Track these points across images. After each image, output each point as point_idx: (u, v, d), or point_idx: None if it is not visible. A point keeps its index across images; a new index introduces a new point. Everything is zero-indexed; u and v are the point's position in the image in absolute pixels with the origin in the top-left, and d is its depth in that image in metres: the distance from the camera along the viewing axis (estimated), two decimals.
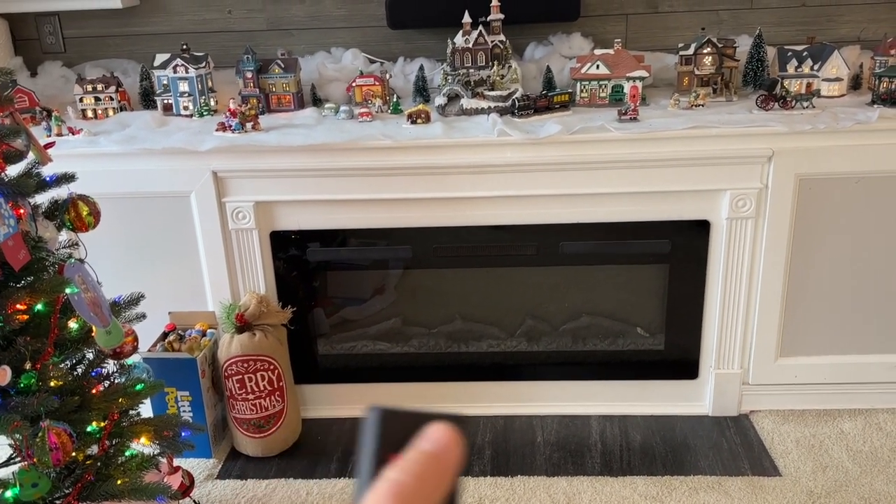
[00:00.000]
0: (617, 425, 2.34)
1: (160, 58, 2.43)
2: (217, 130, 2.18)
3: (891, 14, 2.52)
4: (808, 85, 2.27)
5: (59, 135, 2.21)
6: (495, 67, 2.32)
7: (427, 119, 2.22)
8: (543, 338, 2.47)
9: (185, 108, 2.40)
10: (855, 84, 2.38)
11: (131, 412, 1.77)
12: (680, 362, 2.35)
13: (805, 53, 2.29)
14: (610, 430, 2.32)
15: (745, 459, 2.16)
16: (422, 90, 2.46)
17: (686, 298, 2.28)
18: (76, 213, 1.66)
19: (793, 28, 2.54)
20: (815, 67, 2.27)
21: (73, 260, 1.65)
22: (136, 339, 1.83)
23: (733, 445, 2.22)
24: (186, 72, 2.36)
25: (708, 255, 2.21)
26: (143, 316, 1.88)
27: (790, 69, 2.28)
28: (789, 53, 2.30)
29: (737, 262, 2.19)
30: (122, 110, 2.46)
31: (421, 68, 2.47)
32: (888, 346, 2.29)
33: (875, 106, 2.15)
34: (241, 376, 2.16)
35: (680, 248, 2.23)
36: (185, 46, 2.39)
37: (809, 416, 2.32)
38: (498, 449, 2.26)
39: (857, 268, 2.21)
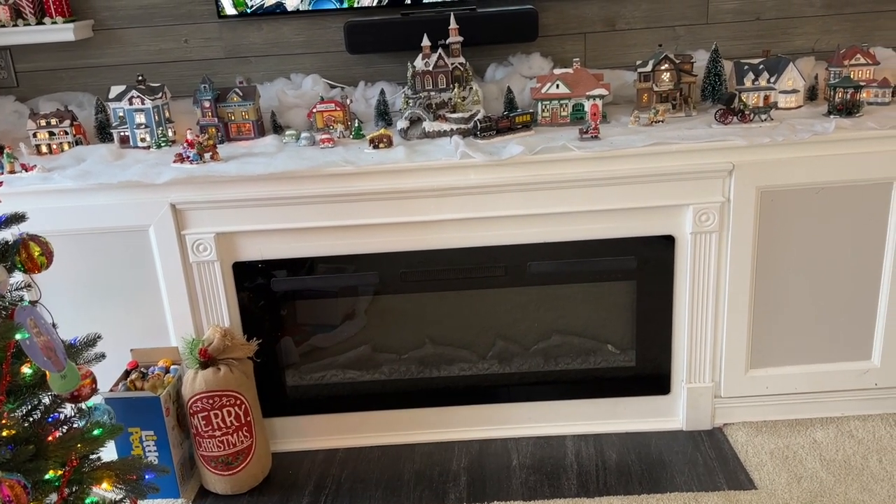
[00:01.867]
0: (592, 444, 2.33)
1: (115, 89, 2.39)
2: (174, 162, 2.14)
3: (843, 25, 2.57)
4: (766, 98, 2.29)
5: (12, 172, 2.15)
6: (456, 90, 2.32)
7: (389, 143, 2.20)
8: (515, 359, 2.45)
9: (143, 139, 2.35)
10: (811, 95, 2.42)
11: (92, 456, 1.71)
12: (652, 378, 2.35)
13: (761, 66, 2.32)
14: (585, 450, 2.30)
15: (720, 474, 2.15)
16: (383, 114, 2.45)
17: (655, 314, 2.28)
18: (27, 254, 1.61)
19: (748, 42, 2.57)
20: (772, 80, 2.30)
21: (25, 302, 1.59)
22: (94, 381, 1.77)
23: (708, 460, 2.22)
24: (143, 103, 2.32)
25: (674, 270, 2.21)
26: (102, 356, 1.83)
27: (747, 82, 2.30)
28: (746, 67, 2.32)
29: (703, 275, 2.20)
30: (77, 144, 2.41)
31: (382, 92, 2.46)
32: (856, 353, 2.30)
33: (831, 116, 2.18)
34: (206, 413, 2.11)
35: (646, 264, 2.23)
36: (140, 77, 2.36)
37: (782, 427, 2.33)
38: (474, 474, 2.23)
39: (822, 277, 2.22)
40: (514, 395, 2.40)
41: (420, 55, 2.30)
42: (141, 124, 2.34)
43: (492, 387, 2.41)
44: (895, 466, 2.12)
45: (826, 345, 2.29)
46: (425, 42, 2.28)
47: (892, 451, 2.19)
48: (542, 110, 2.33)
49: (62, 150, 2.37)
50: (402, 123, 2.29)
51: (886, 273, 2.21)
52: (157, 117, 2.35)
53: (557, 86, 2.30)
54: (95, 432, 1.63)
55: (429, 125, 2.28)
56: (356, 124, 2.36)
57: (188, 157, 2.13)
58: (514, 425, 2.40)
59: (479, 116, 2.25)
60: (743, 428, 2.33)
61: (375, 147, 2.19)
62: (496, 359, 2.45)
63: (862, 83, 2.25)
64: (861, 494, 2.03)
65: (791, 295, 2.24)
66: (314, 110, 2.41)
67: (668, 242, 2.19)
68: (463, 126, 2.26)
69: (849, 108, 2.17)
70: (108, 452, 1.84)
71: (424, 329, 2.46)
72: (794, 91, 2.31)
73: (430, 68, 2.29)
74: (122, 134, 2.38)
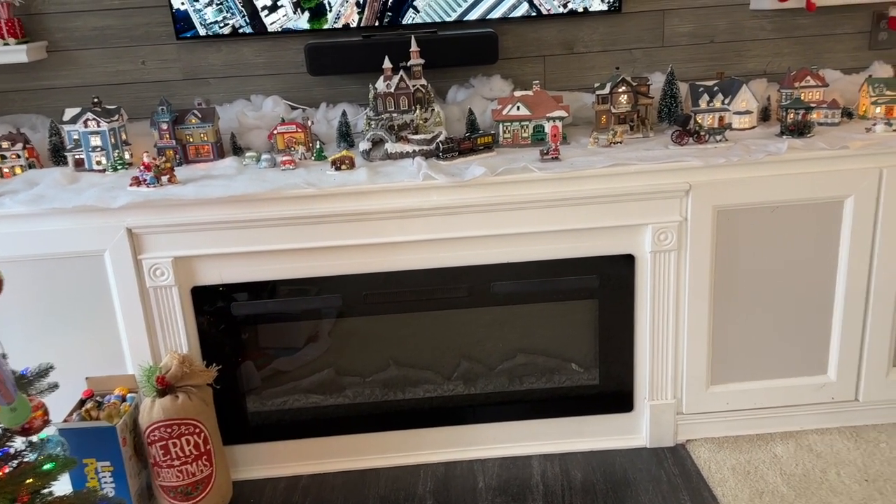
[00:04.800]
0: (558, 464, 2.33)
1: (70, 112, 2.34)
2: (131, 185, 2.10)
3: (793, 48, 2.65)
4: (720, 119, 2.34)
5: None
6: (418, 111, 2.33)
7: (351, 165, 2.20)
8: (480, 379, 2.44)
9: (98, 162, 2.31)
10: (764, 116, 2.48)
11: (44, 491, 1.65)
12: (615, 396, 2.36)
13: (716, 88, 2.37)
14: (551, 470, 2.30)
15: (684, 491, 2.17)
16: (345, 135, 2.44)
17: (617, 332, 2.30)
18: None
19: (703, 64, 2.64)
20: (726, 101, 2.36)
21: None
22: (46, 412, 1.71)
23: (672, 477, 2.23)
24: (98, 125, 2.28)
25: (635, 289, 2.24)
26: (55, 386, 1.77)
27: (702, 104, 2.35)
28: (701, 89, 2.38)
29: (663, 293, 2.22)
30: (30, 167, 2.35)
31: (344, 114, 2.46)
32: (813, 367, 2.35)
33: (784, 137, 2.24)
34: (164, 442, 2.06)
35: (608, 283, 2.25)
36: (96, 99, 2.32)
37: (743, 442, 2.36)
38: (439, 498, 2.21)
39: (778, 293, 2.27)
40: (479, 415, 2.39)
41: (382, 77, 2.30)
42: (97, 147, 2.30)
43: (457, 408, 2.40)
44: (853, 479, 2.16)
45: (784, 360, 2.34)
46: (387, 64, 2.29)
47: (850, 465, 2.23)
48: (504, 132, 2.35)
49: (14, 174, 2.32)
50: (364, 145, 2.29)
51: (840, 289, 2.26)
52: (113, 140, 2.30)
53: (518, 108, 2.32)
54: (47, 466, 1.57)
55: (391, 147, 2.28)
56: (318, 146, 2.35)
57: (145, 180, 2.09)
58: (479, 447, 2.39)
59: (442, 138, 2.26)
60: (705, 444, 2.36)
61: (337, 169, 2.18)
62: (461, 380, 2.45)
63: (812, 104, 2.32)
64: None
65: (749, 311, 2.28)
66: (275, 132, 2.39)
67: (628, 261, 2.21)
68: (425, 147, 2.26)
69: (800, 129, 2.23)
70: (62, 485, 1.79)
71: (389, 351, 2.45)
72: (748, 112, 2.37)
73: (392, 90, 2.30)
74: (76, 157, 2.33)
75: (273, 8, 2.40)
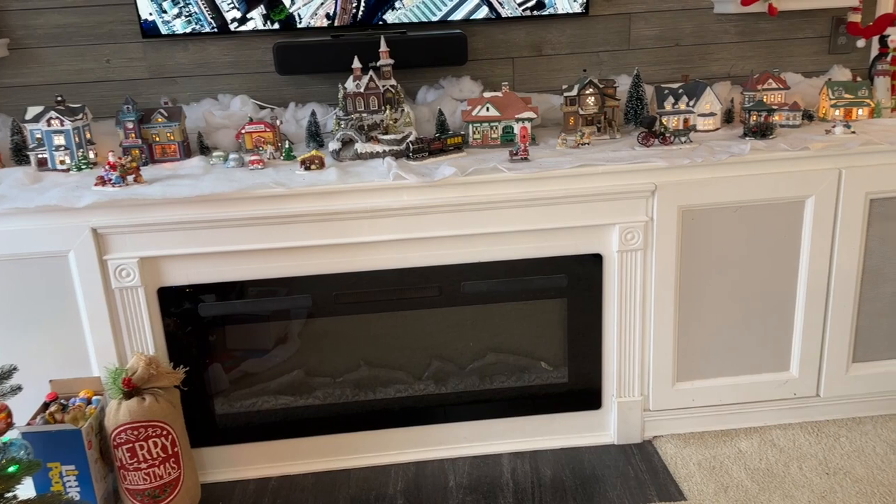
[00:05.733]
0: (528, 462, 2.35)
1: (33, 110, 2.30)
2: (96, 185, 2.07)
3: (756, 52, 2.71)
4: (685, 121, 2.39)
5: None
6: (388, 111, 2.33)
7: (321, 165, 2.19)
8: (451, 379, 2.45)
9: (62, 162, 2.27)
10: (727, 118, 2.53)
11: (7, 495, 1.63)
12: (584, 393, 2.39)
13: (681, 91, 2.42)
14: (521, 468, 2.32)
15: (651, 486, 2.20)
16: (315, 135, 2.43)
17: (585, 330, 2.33)
18: None
19: (668, 67, 2.68)
20: (691, 104, 2.40)
21: None
22: (9, 415, 1.69)
23: (639, 473, 2.27)
24: (62, 124, 2.24)
25: (602, 288, 2.27)
26: (19, 388, 1.75)
27: (668, 106, 2.39)
28: (666, 91, 2.42)
29: (629, 292, 2.26)
30: None
31: (313, 113, 2.45)
32: (776, 364, 2.40)
33: (747, 138, 2.29)
34: (131, 444, 2.03)
35: (576, 282, 2.28)
36: (59, 98, 2.28)
37: (709, 438, 2.40)
38: (410, 497, 2.21)
39: (742, 291, 2.32)
40: (450, 415, 2.40)
41: (351, 77, 2.30)
42: (60, 146, 2.26)
43: (428, 408, 2.40)
44: (814, 473, 2.22)
45: (748, 357, 2.38)
46: (356, 64, 2.29)
47: (812, 458, 2.28)
48: (474, 132, 2.37)
49: None
50: (334, 145, 2.29)
51: (801, 287, 2.32)
52: (77, 139, 2.27)
53: (487, 108, 2.34)
54: (11, 469, 1.55)
55: (361, 147, 2.28)
56: (287, 145, 2.34)
57: (110, 179, 2.06)
58: (450, 446, 2.40)
59: (412, 138, 2.26)
60: (672, 440, 2.39)
61: (307, 168, 2.17)
62: (432, 379, 2.45)
63: (774, 107, 2.38)
64: (784, 501, 2.11)
65: (713, 309, 2.32)
66: (243, 131, 2.38)
67: (596, 260, 2.24)
68: (395, 147, 2.27)
69: (763, 131, 2.28)
70: (26, 489, 1.76)
71: (359, 351, 2.44)
72: (712, 114, 2.41)
73: (362, 90, 2.30)
74: (39, 156, 2.29)
75: (242, 21, 2.40)
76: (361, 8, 2.43)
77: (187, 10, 2.33)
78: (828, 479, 2.19)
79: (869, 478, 2.18)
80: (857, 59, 2.73)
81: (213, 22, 2.38)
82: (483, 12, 2.45)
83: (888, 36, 2.56)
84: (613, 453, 2.37)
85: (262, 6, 2.39)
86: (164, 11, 2.36)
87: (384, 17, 2.44)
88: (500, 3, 2.40)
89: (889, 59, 2.57)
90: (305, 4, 2.34)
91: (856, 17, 2.64)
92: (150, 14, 2.36)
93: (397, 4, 2.43)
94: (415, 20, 2.45)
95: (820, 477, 2.20)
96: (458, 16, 2.46)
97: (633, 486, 2.21)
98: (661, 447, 2.37)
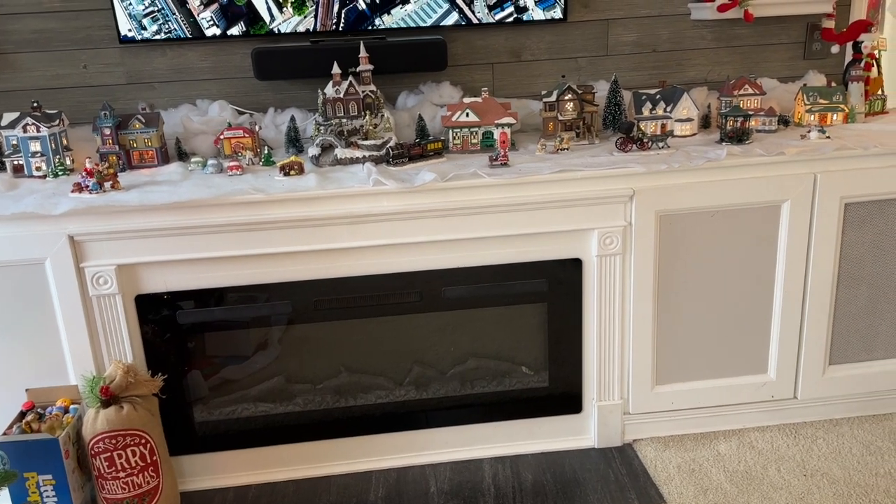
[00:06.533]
0: (509, 466, 2.35)
1: (8, 116, 2.28)
2: (73, 191, 2.05)
3: (732, 58, 2.74)
4: (663, 126, 2.41)
5: None
6: (368, 117, 2.33)
7: (301, 170, 2.19)
8: (432, 384, 2.45)
9: (38, 168, 2.25)
10: (704, 123, 2.56)
11: None
12: (564, 397, 2.40)
13: (658, 96, 2.44)
14: (502, 472, 2.32)
15: (631, 490, 2.21)
16: (294, 141, 2.43)
17: (565, 334, 2.34)
18: None
19: (646, 73, 2.71)
20: (668, 109, 2.42)
21: None
22: None
23: (620, 476, 2.28)
24: (38, 130, 2.22)
25: (582, 292, 2.28)
26: None
27: (645, 112, 2.41)
28: (644, 97, 2.44)
29: (609, 296, 2.27)
30: None
31: (292, 119, 2.44)
32: (753, 367, 2.43)
33: (723, 144, 2.31)
34: (109, 453, 2.01)
35: (556, 287, 2.29)
36: (35, 104, 2.26)
37: (688, 441, 2.42)
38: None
39: (719, 295, 2.34)
40: (431, 420, 2.40)
41: (331, 82, 2.30)
42: (36, 153, 2.24)
43: (409, 413, 2.40)
44: (792, 475, 2.24)
45: (726, 360, 2.41)
46: (335, 69, 2.29)
47: (789, 461, 2.31)
48: (454, 138, 2.37)
49: None
50: (313, 150, 2.28)
51: (778, 290, 2.34)
52: (53, 145, 2.25)
53: (467, 114, 2.34)
54: None
55: (341, 152, 2.27)
56: (266, 151, 2.33)
57: (87, 186, 2.04)
58: (431, 451, 2.39)
59: (392, 143, 2.26)
60: (651, 443, 2.41)
61: (286, 174, 2.17)
62: (413, 385, 2.45)
63: (750, 112, 2.40)
64: (762, 503, 2.13)
65: (692, 313, 2.34)
66: (222, 137, 2.37)
67: (576, 265, 2.25)
68: (375, 153, 2.27)
69: (739, 136, 2.31)
70: (2, 500, 1.74)
71: (340, 357, 2.44)
72: (689, 119, 2.43)
73: (342, 95, 2.30)
74: (15, 163, 2.27)
75: (223, 37, 2.40)
76: (342, 26, 2.44)
77: (167, 27, 2.32)
78: (806, 480, 2.21)
79: (846, 479, 2.21)
80: (832, 65, 2.77)
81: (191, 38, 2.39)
82: (453, 18, 2.46)
83: (861, 42, 2.60)
84: (594, 457, 2.38)
85: (241, 23, 2.38)
86: (144, 28, 2.36)
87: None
88: (471, 10, 2.42)
89: (863, 64, 2.61)
90: (285, 21, 2.34)
91: (830, 24, 2.69)
92: (130, 31, 2.36)
93: (377, 22, 2.44)
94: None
95: (798, 479, 2.22)
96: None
97: (613, 489, 2.22)
98: (641, 450, 2.38)
